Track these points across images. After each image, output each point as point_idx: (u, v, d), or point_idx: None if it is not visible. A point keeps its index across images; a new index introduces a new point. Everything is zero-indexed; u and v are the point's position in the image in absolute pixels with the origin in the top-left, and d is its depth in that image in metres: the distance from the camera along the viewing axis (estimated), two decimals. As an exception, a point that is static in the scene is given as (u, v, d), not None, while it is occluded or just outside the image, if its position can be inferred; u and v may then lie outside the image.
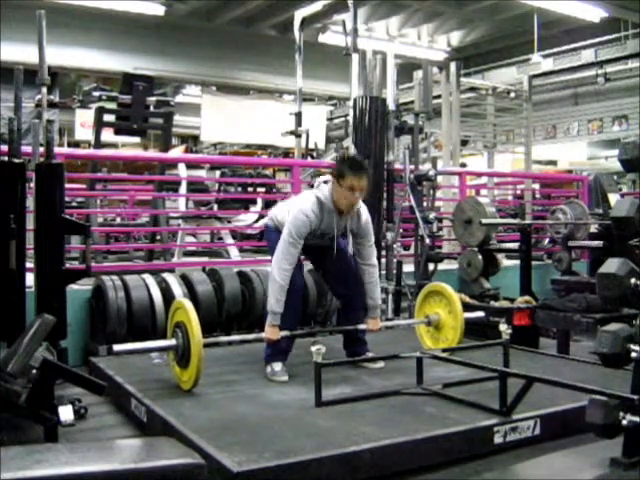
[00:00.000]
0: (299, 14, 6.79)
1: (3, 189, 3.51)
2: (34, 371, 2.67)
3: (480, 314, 4.13)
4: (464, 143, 9.89)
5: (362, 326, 3.76)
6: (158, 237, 6.70)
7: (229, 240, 6.88)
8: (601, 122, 14.87)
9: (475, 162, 13.58)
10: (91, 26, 10.66)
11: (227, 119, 12.21)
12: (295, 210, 3.58)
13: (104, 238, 7.33)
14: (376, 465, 2.50)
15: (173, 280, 4.62)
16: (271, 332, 3.50)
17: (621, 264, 2.59)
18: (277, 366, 3.56)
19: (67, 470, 1.96)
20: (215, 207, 7.07)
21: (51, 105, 3.87)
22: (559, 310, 4.39)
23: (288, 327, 3.57)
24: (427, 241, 5.08)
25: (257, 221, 7.64)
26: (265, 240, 4.13)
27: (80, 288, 4.48)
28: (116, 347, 3.25)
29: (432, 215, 5.14)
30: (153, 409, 2.98)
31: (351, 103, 5.33)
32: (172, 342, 3.33)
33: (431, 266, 5.21)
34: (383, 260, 5.14)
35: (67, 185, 4.04)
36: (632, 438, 2.39)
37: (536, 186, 10.11)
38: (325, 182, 3.63)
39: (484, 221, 5.19)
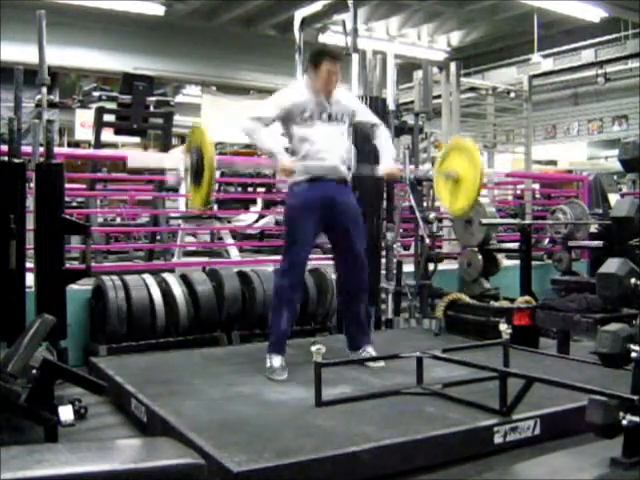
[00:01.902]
0: (299, 14, 6.77)
1: (3, 189, 3.51)
2: (34, 371, 2.67)
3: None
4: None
5: (381, 172, 3.86)
6: (158, 237, 6.70)
7: (229, 240, 6.88)
8: (601, 122, 14.87)
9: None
10: (91, 26, 10.64)
11: (227, 119, 12.20)
12: None
13: (104, 238, 7.32)
14: (376, 465, 2.50)
15: (173, 280, 4.62)
16: (283, 162, 3.59)
17: (621, 264, 2.59)
18: (276, 362, 3.57)
19: (67, 470, 1.96)
20: (215, 207, 7.07)
21: (51, 105, 3.88)
22: (559, 310, 4.39)
23: (290, 314, 3.65)
24: (427, 241, 5.08)
25: (257, 221, 7.65)
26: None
27: (80, 288, 4.48)
28: (130, 158, 3.48)
29: (432, 215, 5.13)
30: (153, 409, 2.98)
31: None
32: (187, 161, 3.64)
33: (431, 266, 5.21)
34: (383, 260, 5.14)
35: (67, 185, 4.05)
36: (632, 438, 2.38)
37: (536, 186, 10.10)
38: None
39: (484, 221, 5.18)
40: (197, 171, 3.59)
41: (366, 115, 3.95)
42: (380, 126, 3.96)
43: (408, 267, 5.36)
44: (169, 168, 3.79)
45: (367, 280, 3.87)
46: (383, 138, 3.93)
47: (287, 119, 3.72)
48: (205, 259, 6.48)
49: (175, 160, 3.71)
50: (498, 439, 2.75)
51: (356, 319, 3.86)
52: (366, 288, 3.89)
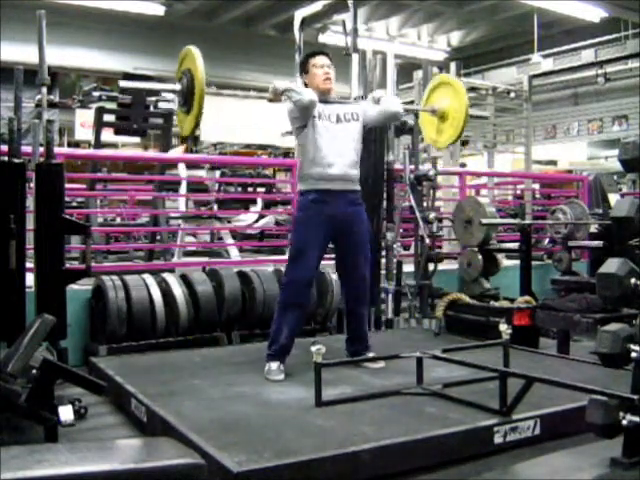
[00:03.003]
0: (299, 14, 6.78)
1: (3, 189, 3.51)
2: (34, 371, 2.67)
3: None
4: (464, 143, 9.89)
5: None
6: (158, 237, 6.70)
7: (229, 240, 6.87)
8: (601, 122, 14.87)
9: (475, 162, 13.58)
10: (91, 26, 10.66)
11: (227, 119, 12.20)
12: None
13: (104, 238, 7.32)
14: (376, 465, 2.50)
15: (173, 280, 4.62)
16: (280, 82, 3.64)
17: (621, 264, 2.59)
18: (274, 365, 3.57)
19: (67, 470, 1.96)
20: (215, 207, 7.07)
21: (51, 105, 3.87)
22: (559, 310, 4.39)
23: (290, 328, 3.61)
24: (427, 241, 5.08)
25: (257, 221, 7.64)
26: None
27: (80, 288, 4.48)
28: (122, 83, 3.79)
29: (432, 215, 5.13)
30: (153, 409, 2.98)
31: (351, 103, 5.31)
32: (177, 86, 3.55)
33: (431, 266, 5.21)
34: (383, 260, 5.14)
35: (67, 185, 4.05)
36: (632, 438, 2.38)
37: (536, 186, 10.10)
38: None
39: (484, 221, 5.18)
40: (187, 96, 3.46)
41: (372, 107, 3.83)
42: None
43: (408, 267, 5.36)
44: (165, 90, 3.76)
45: (368, 298, 3.87)
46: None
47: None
48: (205, 259, 6.48)
49: (171, 86, 3.68)
50: (498, 439, 2.75)
51: (358, 331, 3.85)
52: (367, 305, 3.89)
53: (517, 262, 5.41)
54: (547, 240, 7.55)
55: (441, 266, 5.64)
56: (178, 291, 4.53)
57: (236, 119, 12.21)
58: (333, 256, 3.93)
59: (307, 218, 3.64)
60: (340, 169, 3.62)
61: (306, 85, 3.76)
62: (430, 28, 12.54)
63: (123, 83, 3.93)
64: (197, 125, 3.47)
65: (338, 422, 2.81)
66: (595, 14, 10.25)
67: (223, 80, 12.23)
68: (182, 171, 7.15)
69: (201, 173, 7.47)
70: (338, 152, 3.63)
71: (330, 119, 3.66)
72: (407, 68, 9.31)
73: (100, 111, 6.20)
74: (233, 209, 7.40)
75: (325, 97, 3.71)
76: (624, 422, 2.36)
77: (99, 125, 6.25)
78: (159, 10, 10.31)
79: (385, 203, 5.21)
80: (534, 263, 5.47)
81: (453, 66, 8.92)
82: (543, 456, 2.71)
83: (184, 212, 7.13)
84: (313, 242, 3.61)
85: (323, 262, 4.01)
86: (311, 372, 3.06)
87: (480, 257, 5.33)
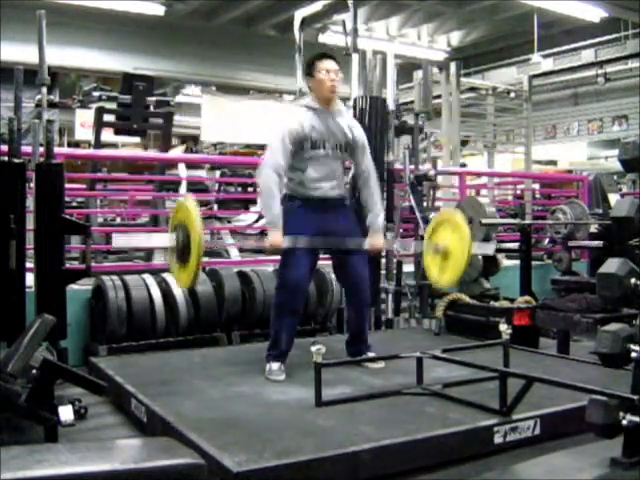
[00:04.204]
0: (299, 14, 6.78)
1: (3, 189, 3.51)
2: (34, 371, 2.67)
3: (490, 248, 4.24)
4: (464, 143, 9.91)
5: (365, 245, 3.74)
6: (158, 237, 6.68)
7: (229, 240, 6.87)
8: (601, 122, 14.88)
9: (475, 162, 13.58)
10: (91, 26, 10.64)
11: (227, 119, 12.20)
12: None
13: (104, 238, 7.32)
14: (376, 465, 2.50)
15: (173, 280, 4.62)
16: (273, 237, 3.46)
17: (621, 264, 2.59)
18: (275, 365, 3.57)
19: (67, 470, 1.96)
20: (215, 207, 7.07)
21: (51, 105, 3.88)
22: (559, 310, 4.38)
23: (288, 332, 3.62)
24: (427, 241, 5.07)
25: (257, 221, 7.64)
26: None
27: (80, 288, 4.48)
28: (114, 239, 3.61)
29: (432, 215, 5.13)
30: (153, 409, 2.98)
31: (351, 103, 5.32)
32: (172, 240, 3.39)
33: (431, 266, 5.20)
34: (383, 260, 5.14)
35: (67, 185, 4.05)
36: (632, 438, 2.38)
37: (536, 186, 10.10)
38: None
39: (484, 221, 5.18)
40: (183, 249, 3.32)
41: (364, 154, 3.77)
42: (372, 175, 3.79)
43: (408, 267, 5.36)
44: (157, 247, 3.58)
45: (369, 297, 3.84)
46: (374, 193, 3.79)
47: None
48: (205, 259, 6.47)
49: (164, 239, 3.51)
50: (498, 439, 2.75)
51: (359, 331, 3.84)
52: (368, 305, 3.88)
53: (517, 262, 5.41)
54: (547, 240, 7.55)
55: (441, 266, 5.63)
56: (178, 291, 4.54)
57: (236, 119, 12.22)
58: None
59: (295, 221, 3.61)
60: (325, 192, 3.65)
61: (310, 89, 3.71)
62: (430, 28, 12.53)
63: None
64: (195, 279, 3.32)
65: (338, 422, 2.81)
66: (595, 14, 10.24)
67: (223, 80, 12.26)
68: (182, 171, 7.16)
69: (201, 173, 7.48)
70: (326, 178, 3.65)
71: (324, 146, 3.60)
72: (407, 68, 9.30)
73: (100, 111, 6.21)
74: (233, 209, 7.40)
75: (326, 109, 3.64)
76: (624, 422, 2.36)
77: (99, 125, 6.25)
78: (159, 10, 10.30)
79: (385, 203, 5.21)
80: (534, 263, 5.47)
81: (453, 66, 8.93)
82: (543, 456, 2.71)
83: (184, 212, 7.11)
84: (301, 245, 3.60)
85: (322, 262, 4.01)
86: (311, 372, 3.06)
87: (480, 257, 5.32)
